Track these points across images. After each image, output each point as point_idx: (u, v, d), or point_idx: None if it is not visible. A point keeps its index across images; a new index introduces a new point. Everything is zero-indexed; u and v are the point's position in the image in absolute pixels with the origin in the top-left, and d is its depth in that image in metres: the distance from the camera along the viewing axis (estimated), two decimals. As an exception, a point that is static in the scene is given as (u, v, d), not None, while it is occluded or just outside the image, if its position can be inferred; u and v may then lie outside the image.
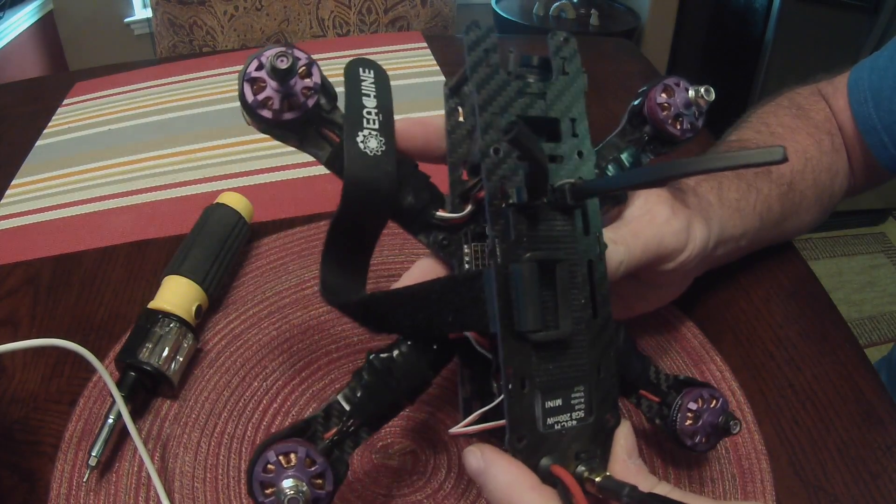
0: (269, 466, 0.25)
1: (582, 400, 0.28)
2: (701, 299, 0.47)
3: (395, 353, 0.29)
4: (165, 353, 0.40)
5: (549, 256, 0.27)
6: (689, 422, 0.32)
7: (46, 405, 0.41)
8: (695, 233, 0.37)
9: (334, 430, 0.28)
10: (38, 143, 0.70)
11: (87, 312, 0.48)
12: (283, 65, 0.26)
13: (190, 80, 0.80)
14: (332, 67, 0.93)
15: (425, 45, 0.86)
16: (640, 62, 0.86)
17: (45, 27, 1.86)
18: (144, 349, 0.39)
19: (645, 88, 0.35)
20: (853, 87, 0.50)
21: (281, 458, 0.26)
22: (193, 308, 0.43)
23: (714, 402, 0.33)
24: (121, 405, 0.36)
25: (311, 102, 0.27)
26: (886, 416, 0.40)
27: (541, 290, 0.26)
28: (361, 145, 0.28)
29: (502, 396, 0.27)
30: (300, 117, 0.27)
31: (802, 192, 0.47)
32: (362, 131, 0.28)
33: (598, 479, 0.26)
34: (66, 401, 0.41)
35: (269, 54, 0.26)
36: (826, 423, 0.39)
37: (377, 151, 0.28)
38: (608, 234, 0.33)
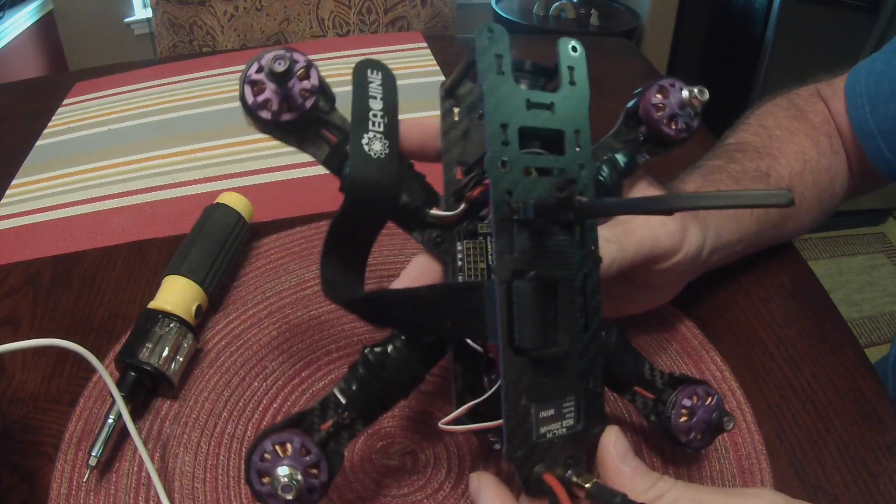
0: (266, 456, 0.26)
1: (572, 408, 0.28)
2: (700, 299, 0.47)
3: (390, 347, 0.29)
4: (165, 353, 0.40)
5: (551, 274, 0.27)
6: (683, 418, 0.32)
7: (46, 405, 0.41)
8: (690, 236, 0.37)
9: (330, 423, 0.28)
10: (38, 143, 0.70)
11: (87, 312, 0.48)
12: (281, 67, 0.26)
13: (190, 80, 0.80)
14: (332, 68, 0.93)
15: (425, 45, 0.86)
16: (640, 62, 0.86)
17: (45, 27, 1.86)
18: (144, 349, 0.39)
19: (640, 90, 0.35)
20: (850, 91, 0.50)
21: (277, 447, 0.26)
22: (193, 308, 0.43)
23: (709, 398, 0.33)
24: (121, 405, 0.36)
25: (309, 104, 0.28)
26: (886, 416, 0.40)
27: (541, 308, 0.27)
28: (366, 147, 0.28)
29: (490, 392, 0.28)
30: (299, 118, 0.28)
31: (802, 194, 0.46)
32: (367, 133, 0.29)
33: (587, 486, 0.26)
34: (66, 401, 0.41)
35: (267, 57, 0.27)
36: (826, 423, 0.39)
37: (381, 154, 0.29)
38: (602, 232, 0.33)
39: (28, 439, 0.40)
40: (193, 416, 0.40)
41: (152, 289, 0.44)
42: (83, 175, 0.64)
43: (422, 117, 0.32)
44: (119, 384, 0.38)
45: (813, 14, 1.63)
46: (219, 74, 0.81)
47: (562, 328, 0.27)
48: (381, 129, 0.29)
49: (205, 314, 0.45)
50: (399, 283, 0.31)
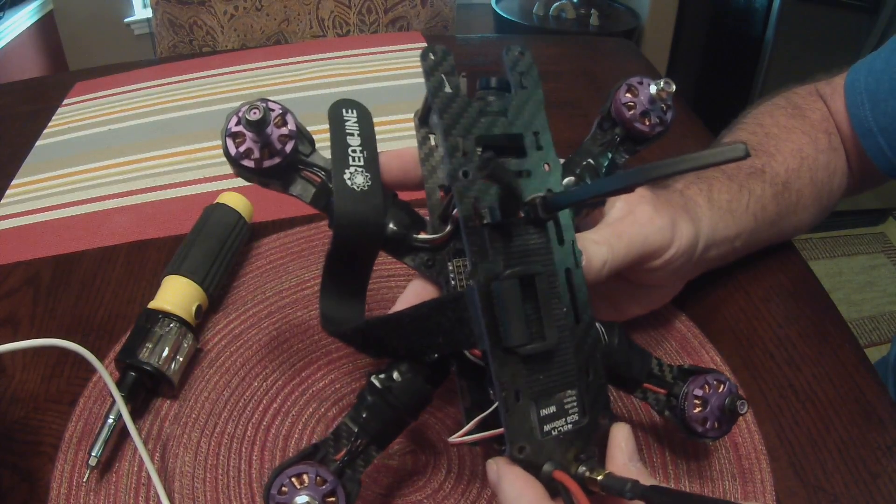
0: (283, 489, 0.27)
1: (574, 404, 0.29)
2: (700, 299, 0.47)
3: (394, 372, 0.30)
4: (165, 353, 0.40)
5: (528, 271, 0.27)
6: (697, 409, 0.32)
7: (46, 405, 0.41)
8: (681, 230, 0.37)
9: (344, 451, 0.29)
10: (38, 143, 0.70)
11: (87, 312, 0.48)
12: (255, 116, 0.28)
13: (190, 80, 0.80)
14: (332, 68, 0.92)
15: (425, 45, 0.85)
16: (640, 62, 0.86)
17: (45, 27, 1.86)
18: (144, 349, 0.39)
19: (611, 92, 0.36)
20: (850, 89, 0.50)
21: (293, 479, 0.27)
22: (193, 308, 0.43)
23: (721, 386, 0.33)
24: (121, 405, 0.36)
25: (288, 148, 0.29)
26: (886, 416, 0.40)
27: (523, 305, 0.27)
28: (349, 182, 0.30)
29: (496, 404, 0.28)
30: (281, 163, 0.29)
31: (799, 191, 0.46)
32: (349, 168, 0.30)
33: (599, 478, 0.26)
34: (66, 401, 0.41)
35: (244, 108, 0.28)
36: (826, 423, 0.39)
37: (364, 186, 0.30)
38: (591, 235, 0.33)
39: (28, 439, 0.40)
40: (193, 416, 0.40)
41: (152, 289, 0.44)
42: (83, 175, 0.64)
43: (400, 148, 0.33)
44: (119, 384, 0.38)
45: (813, 14, 1.63)
46: (219, 74, 0.81)
47: (546, 322, 0.27)
48: (362, 162, 0.30)
49: (205, 314, 0.45)
50: (396, 308, 0.32)
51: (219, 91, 0.77)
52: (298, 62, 0.83)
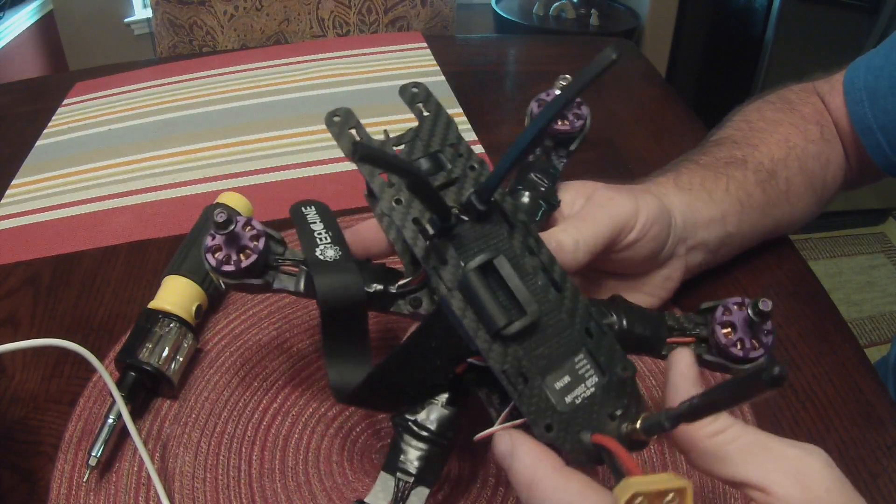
0: None
1: (588, 367, 0.28)
2: (699, 297, 0.47)
3: (418, 406, 0.31)
4: (165, 353, 0.40)
5: (483, 259, 0.28)
6: (729, 335, 0.32)
7: (46, 405, 0.41)
8: (644, 200, 0.38)
9: (391, 501, 0.30)
10: (38, 143, 0.70)
11: (87, 312, 0.48)
12: (221, 218, 0.30)
13: (190, 80, 0.80)
14: (333, 68, 0.92)
15: (425, 45, 0.86)
16: (640, 62, 0.86)
17: (45, 27, 1.86)
18: (144, 349, 0.39)
19: (527, 112, 0.38)
20: (849, 86, 0.50)
21: None
22: (193, 308, 0.43)
23: (740, 306, 0.32)
24: (121, 405, 0.36)
25: (261, 244, 0.31)
26: (886, 416, 0.40)
27: (494, 290, 0.27)
28: (321, 256, 0.32)
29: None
30: (258, 260, 0.31)
31: (788, 180, 0.47)
32: (318, 247, 0.33)
33: (638, 426, 0.26)
34: (66, 401, 0.41)
35: (211, 220, 0.30)
36: (826, 423, 0.39)
37: (336, 257, 0.33)
38: (555, 228, 0.35)
39: (28, 439, 0.40)
40: (193, 416, 0.40)
41: (152, 289, 0.44)
42: (83, 175, 0.64)
43: (357, 225, 0.35)
44: (119, 384, 0.38)
45: (813, 14, 1.63)
46: (219, 74, 0.81)
47: (521, 297, 0.27)
48: (329, 240, 0.33)
49: (205, 314, 0.45)
50: None
51: (219, 91, 0.77)
52: (298, 62, 0.83)
